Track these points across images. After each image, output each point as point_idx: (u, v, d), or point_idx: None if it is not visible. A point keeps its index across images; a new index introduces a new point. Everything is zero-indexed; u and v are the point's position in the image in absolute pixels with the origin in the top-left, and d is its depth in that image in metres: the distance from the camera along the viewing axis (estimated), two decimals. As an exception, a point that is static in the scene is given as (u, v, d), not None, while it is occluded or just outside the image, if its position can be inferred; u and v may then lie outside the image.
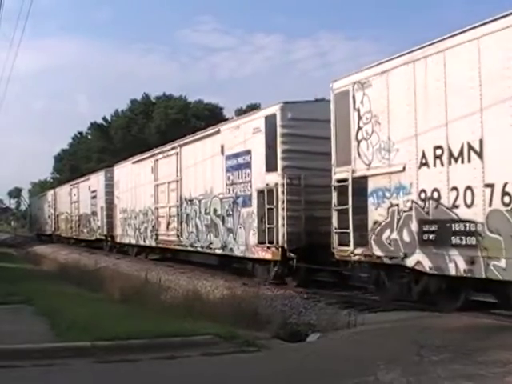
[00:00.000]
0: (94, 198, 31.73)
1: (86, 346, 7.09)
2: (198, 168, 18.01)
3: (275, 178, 13.68)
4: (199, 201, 17.85)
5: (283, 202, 13.42)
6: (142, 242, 23.70)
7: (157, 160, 21.68)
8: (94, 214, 31.71)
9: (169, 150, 20.59)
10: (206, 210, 17.36)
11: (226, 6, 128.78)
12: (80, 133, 70.77)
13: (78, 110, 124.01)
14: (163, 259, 23.16)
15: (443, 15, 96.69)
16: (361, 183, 11.01)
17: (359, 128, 11.08)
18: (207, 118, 53.12)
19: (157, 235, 21.59)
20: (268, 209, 13.83)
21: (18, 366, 6.44)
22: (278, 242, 13.51)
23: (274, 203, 13.58)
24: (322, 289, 13.25)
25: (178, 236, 19.44)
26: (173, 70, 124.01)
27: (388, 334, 8.17)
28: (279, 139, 13.62)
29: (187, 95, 62.41)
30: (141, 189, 23.44)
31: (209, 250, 17.23)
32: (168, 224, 20.41)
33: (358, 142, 11.09)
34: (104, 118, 64.89)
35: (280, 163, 13.57)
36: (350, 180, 11.21)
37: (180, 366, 6.72)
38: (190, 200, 18.53)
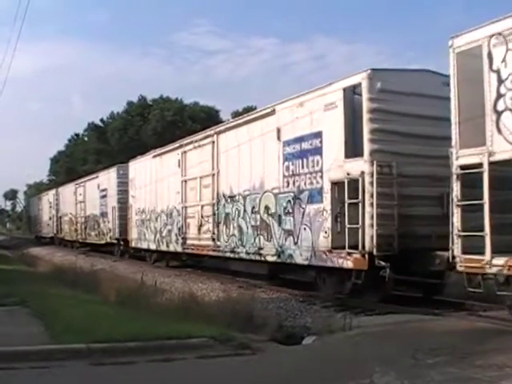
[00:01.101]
0: (103, 197, 28.73)
1: (82, 348, 7.03)
2: (242, 158, 15.03)
3: (360, 166, 10.79)
4: (244, 197, 14.90)
5: (372, 195, 10.56)
6: (164, 248, 20.57)
7: (185, 152, 18.62)
8: (103, 215, 28.71)
9: (201, 140, 17.55)
10: (253, 208, 14.42)
11: (222, 9, 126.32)
12: (76, 134, 69.99)
13: (75, 112, 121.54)
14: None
15: (440, 17, 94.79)
16: (502, 170, 8.25)
17: (500, 95, 8.25)
18: (203, 120, 52.34)
19: (184, 239, 18.54)
20: (349, 205, 10.97)
21: (14, 367, 6.37)
22: (363, 247, 10.63)
23: (360, 197, 10.71)
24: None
25: (213, 240, 16.46)
26: (169, 72, 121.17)
27: (383, 337, 8.03)
28: (366, 116, 10.72)
29: (183, 97, 62.05)
30: (164, 186, 20.38)
31: (257, 257, 14.25)
32: (200, 226, 17.39)
33: (499, 113, 8.25)
34: (101, 120, 63.85)
35: (367, 146, 10.68)
36: (485, 166, 8.36)
37: (175, 369, 6.73)
38: (231, 197, 15.59)
